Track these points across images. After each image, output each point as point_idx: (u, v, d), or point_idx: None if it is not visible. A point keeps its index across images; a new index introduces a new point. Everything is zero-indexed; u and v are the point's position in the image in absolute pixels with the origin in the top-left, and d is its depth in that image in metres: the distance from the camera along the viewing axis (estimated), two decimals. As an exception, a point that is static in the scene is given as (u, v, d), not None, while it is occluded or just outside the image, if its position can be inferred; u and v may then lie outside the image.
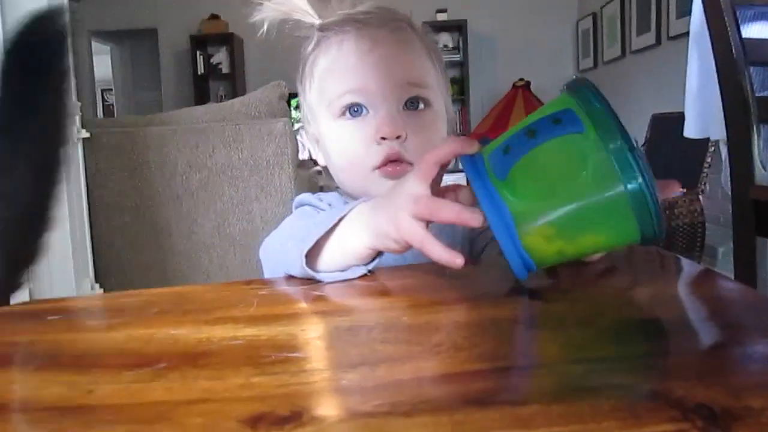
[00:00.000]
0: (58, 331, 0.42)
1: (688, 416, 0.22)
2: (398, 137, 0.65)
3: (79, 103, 2.25)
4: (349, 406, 0.26)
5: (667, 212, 3.13)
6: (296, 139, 2.47)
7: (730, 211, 1.37)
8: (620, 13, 5.10)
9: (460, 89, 6.21)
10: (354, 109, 0.67)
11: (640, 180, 0.37)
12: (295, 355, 0.34)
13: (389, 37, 0.68)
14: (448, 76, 0.76)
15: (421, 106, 0.67)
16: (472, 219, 0.41)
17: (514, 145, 0.41)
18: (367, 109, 0.67)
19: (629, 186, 0.37)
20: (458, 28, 6.09)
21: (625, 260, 0.57)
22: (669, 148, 3.58)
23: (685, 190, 3.29)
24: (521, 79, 5.96)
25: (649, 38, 4.63)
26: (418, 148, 0.65)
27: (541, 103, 5.85)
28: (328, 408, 0.26)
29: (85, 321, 0.44)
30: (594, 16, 5.69)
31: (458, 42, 6.15)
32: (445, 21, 6.13)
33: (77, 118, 2.24)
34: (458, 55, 6.13)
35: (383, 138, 0.64)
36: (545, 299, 0.41)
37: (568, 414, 0.23)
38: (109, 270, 2.23)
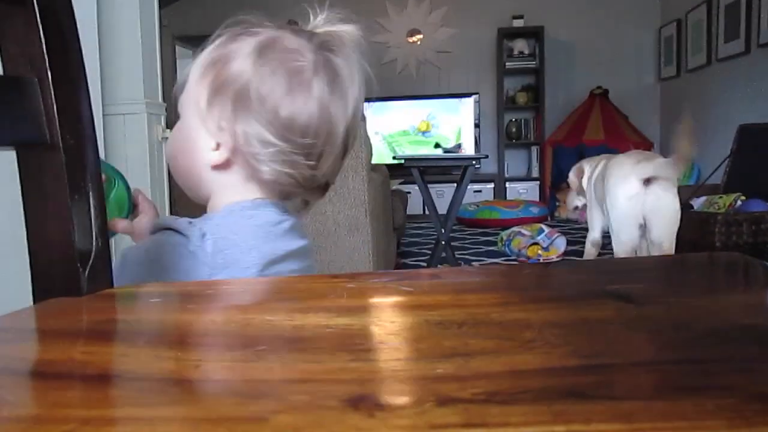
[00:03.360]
0: (160, 312, 0.45)
1: (799, 420, 0.22)
2: None
3: (165, 104, 2.35)
4: (447, 392, 0.27)
5: (753, 227, 2.99)
6: (370, 144, 2.50)
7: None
8: (707, 19, 4.91)
9: (534, 97, 6.12)
10: None
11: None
12: (387, 344, 0.35)
13: None
14: (218, 77, 0.72)
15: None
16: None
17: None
18: None
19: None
20: (534, 34, 6.01)
21: (710, 267, 0.56)
22: (757, 160, 3.42)
23: (773, 205, 3.14)
24: (599, 87, 5.82)
25: (738, 45, 4.43)
26: None
27: (620, 113, 5.71)
28: (426, 393, 0.27)
29: (185, 304, 0.47)
30: (678, 22, 5.50)
31: (534, 48, 6.06)
32: (521, 27, 6.06)
33: (162, 118, 2.34)
34: (534, 62, 6.04)
35: None
36: (635, 302, 0.40)
37: (672, 411, 0.23)
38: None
